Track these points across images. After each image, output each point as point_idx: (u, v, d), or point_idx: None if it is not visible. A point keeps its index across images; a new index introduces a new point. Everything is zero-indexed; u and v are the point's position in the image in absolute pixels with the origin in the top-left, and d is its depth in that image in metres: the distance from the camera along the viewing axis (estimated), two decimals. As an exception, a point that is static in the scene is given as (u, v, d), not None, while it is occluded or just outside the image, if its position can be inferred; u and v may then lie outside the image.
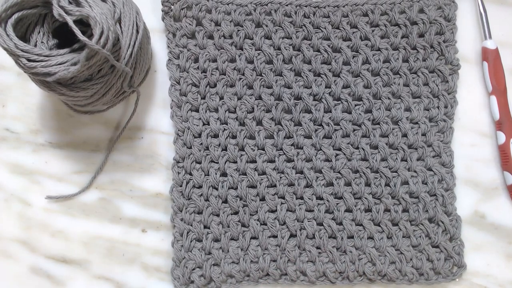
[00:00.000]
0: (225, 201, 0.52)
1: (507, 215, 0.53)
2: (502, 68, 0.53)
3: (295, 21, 0.52)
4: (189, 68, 0.52)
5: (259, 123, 0.52)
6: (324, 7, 0.52)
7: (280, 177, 0.52)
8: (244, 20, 0.52)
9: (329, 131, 0.52)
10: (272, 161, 0.52)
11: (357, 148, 0.52)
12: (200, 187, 0.52)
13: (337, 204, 0.51)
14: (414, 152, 0.52)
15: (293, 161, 0.52)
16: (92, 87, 0.46)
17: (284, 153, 0.52)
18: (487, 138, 0.54)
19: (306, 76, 0.52)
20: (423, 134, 0.52)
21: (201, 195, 0.52)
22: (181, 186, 0.52)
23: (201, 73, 0.52)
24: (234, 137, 0.52)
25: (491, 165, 0.53)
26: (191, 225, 0.51)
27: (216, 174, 0.52)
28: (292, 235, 0.52)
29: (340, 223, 0.51)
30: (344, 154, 0.52)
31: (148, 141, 0.55)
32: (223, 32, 0.52)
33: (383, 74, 0.52)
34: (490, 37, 0.53)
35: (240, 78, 0.52)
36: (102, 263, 0.53)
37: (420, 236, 0.51)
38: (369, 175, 0.51)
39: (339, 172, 0.52)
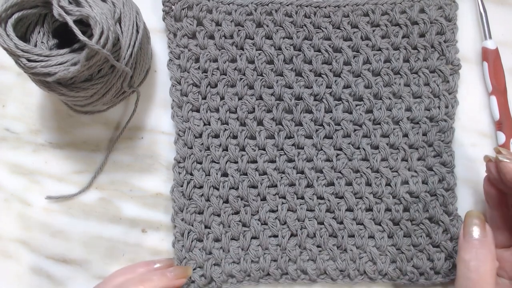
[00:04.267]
0: (226, 201, 0.52)
1: (507, 215, 0.53)
2: (502, 68, 0.53)
3: (295, 21, 0.52)
4: (190, 68, 0.52)
5: (260, 123, 0.52)
6: (325, 7, 0.52)
7: (281, 177, 0.52)
8: (245, 20, 0.52)
9: (330, 131, 0.52)
10: (273, 161, 0.52)
11: (358, 148, 0.52)
12: (201, 187, 0.52)
13: (338, 203, 0.52)
14: (414, 152, 0.52)
15: (294, 161, 0.52)
16: (92, 87, 0.46)
17: (285, 153, 0.52)
18: (487, 138, 0.54)
19: (307, 76, 0.52)
20: (424, 134, 0.52)
21: (202, 195, 0.52)
22: (182, 186, 0.52)
23: (202, 73, 0.52)
24: (235, 137, 0.52)
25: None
26: (192, 225, 0.51)
27: (217, 174, 0.52)
28: (293, 235, 0.52)
29: (341, 222, 0.52)
30: (345, 154, 0.52)
31: (148, 141, 0.54)
32: (223, 32, 0.52)
33: (384, 74, 0.52)
34: (490, 37, 0.53)
35: (241, 78, 0.52)
36: (102, 263, 0.53)
37: (421, 236, 0.51)
38: (369, 175, 0.51)
39: (340, 172, 0.52)
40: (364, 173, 0.51)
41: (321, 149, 0.52)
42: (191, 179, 0.52)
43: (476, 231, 0.43)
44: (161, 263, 0.49)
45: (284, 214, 0.51)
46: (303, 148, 0.52)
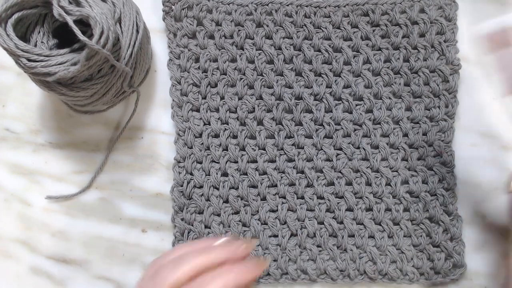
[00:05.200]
0: (226, 201, 0.52)
1: (507, 214, 0.53)
2: None
3: (296, 21, 0.52)
4: (190, 68, 0.52)
5: (260, 123, 0.52)
6: (325, 7, 0.52)
7: (281, 177, 0.52)
8: (245, 20, 0.52)
9: (330, 131, 0.52)
10: (273, 161, 0.52)
11: (358, 147, 0.52)
12: (201, 187, 0.52)
13: (338, 203, 0.52)
14: (414, 152, 0.52)
15: (294, 161, 0.52)
16: (92, 87, 0.46)
17: (285, 153, 0.52)
18: (487, 138, 0.54)
19: (307, 76, 0.52)
20: (424, 134, 0.52)
21: (202, 195, 0.52)
22: (182, 186, 0.52)
23: (202, 73, 0.52)
24: (235, 137, 0.52)
25: (491, 165, 0.53)
26: (192, 225, 0.52)
27: (217, 174, 0.52)
28: (293, 234, 0.52)
29: (341, 222, 0.52)
30: (345, 154, 0.52)
31: (148, 141, 0.54)
32: (224, 32, 0.52)
33: (384, 74, 0.52)
34: None
35: (241, 78, 0.52)
36: (102, 263, 0.53)
37: (421, 236, 0.51)
38: (369, 174, 0.51)
39: (340, 172, 0.52)
40: (364, 173, 0.51)
41: (321, 149, 0.52)
42: (191, 179, 0.52)
43: None
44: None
45: (284, 214, 0.51)
46: (303, 148, 0.52)
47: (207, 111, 0.52)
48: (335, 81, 0.52)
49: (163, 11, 0.52)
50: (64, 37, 0.46)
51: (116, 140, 0.54)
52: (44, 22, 0.46)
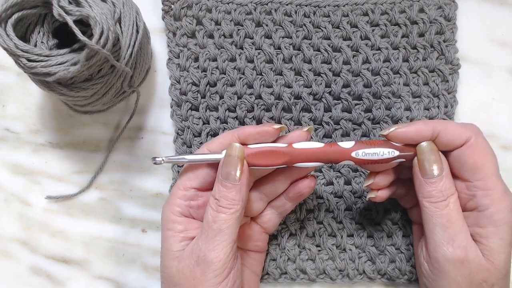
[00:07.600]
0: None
1: (507, 214, 0.52)
2: None
3: (295, 21, 0.52)
4: (189, 67, 0.52)
5: (259, 122, 0.52)
6: (324, 7, 0.52)
7: (281, 177, 0.52)
8: (244, 20, 0.52)
9: (329, 130, 0.52)
10: (272, 161, 0.52)
11: (357, 147, 0.52)
12: (200, 186, 0.52)
13: (337, 203, 0.52)
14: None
15: (293, 160, 0.52)
16: (92, 87, 0.46)
17: (284, 153, 0.52)
18: (486, 138, 0.53)
19: (306, 76, 0.52)
20: (423, 134, 0.52)
21: (201, 194, 0.52)
22: (181, 185, 0.52)
23: (201, 72, 0.52)
24: (234, 136, 0.52)
25: (491, 165, 0.53)
26: (191, 225, 0.51)
27: (216, 173, 0.52)
28: (292, 234, 0.52)
29: (340, 222, 0.52)
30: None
31: (148, 141, 0.55)
32: (223, 32, 0.52)
33: (383, 74, 0.52)
34: None
35: (240, 77, 0.52)
36: (102, 263, 0.54)
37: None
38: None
39: (339, 171, 0.52)
40: (363, 172, 0.51)
41: (321, 148, 0.52)
42: (190, 178, 0.52)
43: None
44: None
45: (283, 213, 0.51)
46: (302, 148, 0.52)
47: (206, 110, 0.52)
48: (334, 80, 0.52)
49: (162, 10, 0.52)
50: (64, 37, 0.46)
51: (116, 140, 0.54)
52: (44, 22, 0.46)
